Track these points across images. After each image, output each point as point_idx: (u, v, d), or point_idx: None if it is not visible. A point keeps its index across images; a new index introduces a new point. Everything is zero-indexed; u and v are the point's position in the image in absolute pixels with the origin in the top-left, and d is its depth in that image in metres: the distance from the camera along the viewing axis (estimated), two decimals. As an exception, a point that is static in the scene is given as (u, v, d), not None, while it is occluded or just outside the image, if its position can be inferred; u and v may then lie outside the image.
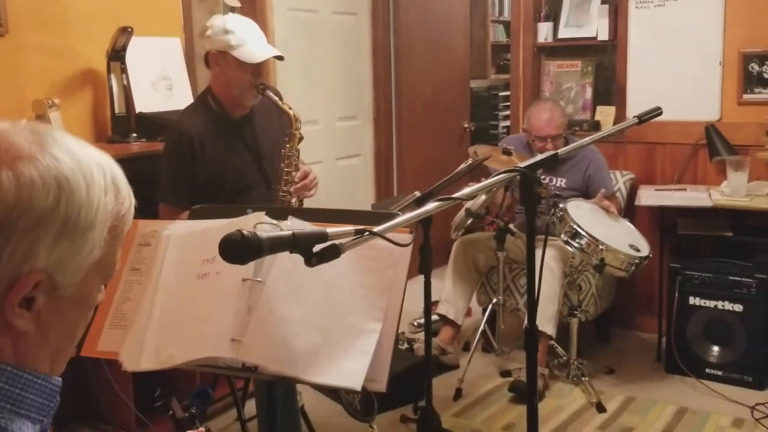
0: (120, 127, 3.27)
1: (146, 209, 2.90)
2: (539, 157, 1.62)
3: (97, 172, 0.85)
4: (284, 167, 2.77)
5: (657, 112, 1.83)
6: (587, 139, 1.84)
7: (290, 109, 2.78)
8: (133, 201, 0.92)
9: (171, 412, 1.33)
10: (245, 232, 1.13)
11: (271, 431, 1.70)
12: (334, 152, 4.69)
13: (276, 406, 1.70)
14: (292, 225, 1.60)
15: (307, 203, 2.96)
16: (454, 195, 1.48)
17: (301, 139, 2.82)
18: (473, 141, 5.60)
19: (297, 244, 1.19)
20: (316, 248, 1.20)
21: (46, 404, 0.86)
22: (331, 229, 1.23)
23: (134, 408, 2.82)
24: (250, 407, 3.10)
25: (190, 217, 1.90)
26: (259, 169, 2.85)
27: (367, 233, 1.27)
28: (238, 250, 1.13)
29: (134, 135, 3.25)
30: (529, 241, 1.61)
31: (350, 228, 1.26)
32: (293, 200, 2.81)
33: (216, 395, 3.12)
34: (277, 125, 2.93)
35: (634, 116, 1.80)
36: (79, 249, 0.83)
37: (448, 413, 3.33)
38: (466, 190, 1.51)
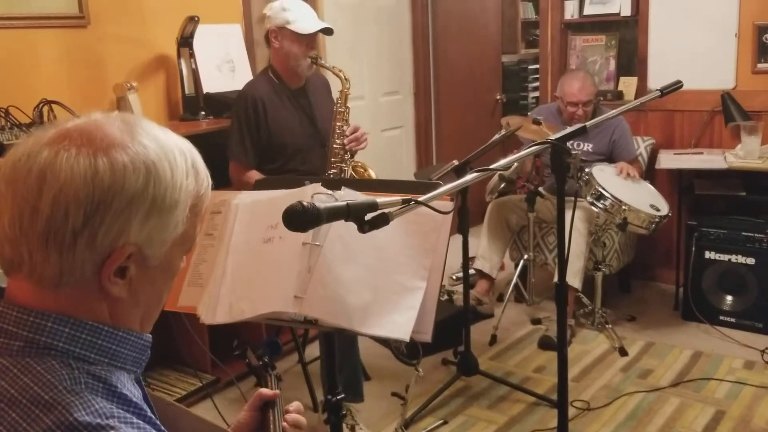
0: (190, 106, 3.31)
1: (217, 178, 2.98)
2: (569, 129, 1.59)
3: (179, 157, 0.86)
4: (336, 122, 2.83)
5: (678, 85, 1.78)
6: (614, 112, 1.79)
7: (341, 71, 2.86)
8: (210, 182, 0.93)
9: (247, 360, 1.35)
10: (306, 204, 1.13)
11: (330, 372, 1.72)
12: (378, 124, 4.67)
13: (335, 351, 1.72)
14: (345, 194, 1.60)
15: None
16: (491, 166, 1.46)
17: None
18: (505, 111, 5.51)
19: (351, 213, 1.19)
20: (368, 216, 1.21)
21: (139, 357, 0.89)
22: (381, 199, 1.23)
23: (209, 353, 2.89)
24: (310, 351, 3.17)
25: (255, 188, 1.92)
26: (315, 132, 2.94)
27: (412, 202, 1.27)
28: (300, 219, 1.13)
29: (203, 113, 3.29)
30: (559, 207, 1.59)
31: (398, 198, 1.26)
32: (347, 156, 2.86)
33: (280, 340, 3.19)
34: (327, 100, 3.01)
35: (657, 89, 1.75)
36: (165, 225, 0.84)
37: (484, 357, 3.35)
38: (502, 162, 1.49)
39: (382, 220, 1.23)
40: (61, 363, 0.80)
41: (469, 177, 1.38)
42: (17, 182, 0.80)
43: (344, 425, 1.86)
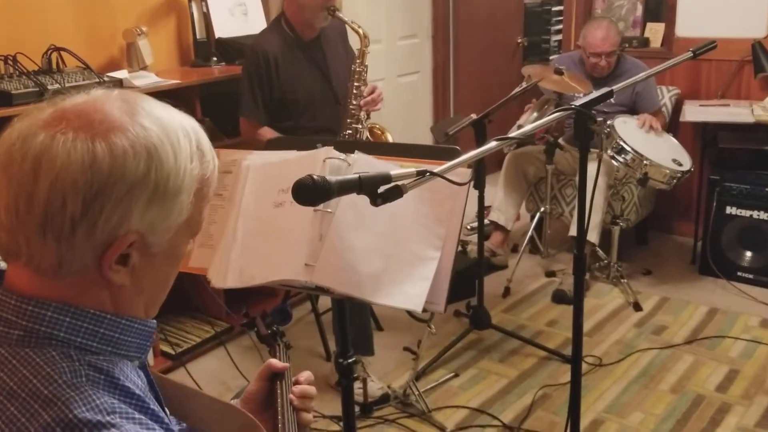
0: (202, 51, 3.22)
1: (228, 127, 2.89)
2: (594, 94, 1.51)
3: (183, 139, 0.82)
4: (354, 82, 2.74)
5: (711, 46, 1.69)
6: (642, 75, 1.71)
7: (360, 27, 2.72)
8: (217, 163, 0.89)
9: (256, 329, 1.34)
10: (316, 178, 1.09)
11: (342, 335, 1.70)
12: (395, 69, 4.56)
13: (346, 314, 1.70)
14: (359, 159, 1.55)
15: (372, 117, 2.91)
16: (511, 135, 1.40)
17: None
18: (525, 56, 5.35)
19: (363, 186, 1.15)
20: (381, 189, 1.17)
21: (143, 344, 0.86)
22: (395, 171, 1.18)
23: (223, 304, 2.91)
24: (324, 300, 3.17)
25: (266, 148, 1.87)
26: (329, 87, 2.83)
27: (428, 174, 1.22)
28: (310, 194, 1.10)
29: (214, 59, 3.20)
30: (581, 176, 1.52)
31: (412, 169, 1.21)
32: (362, 114, 2.77)
33: (292, 291, 3.19)
34: (342, 50, 2.90)
35: (690, 50, 1.66)
36: (168, 212, 0.80)
37: (497, 309, 3.34)
38: (525, 128, 1.42)
39: (396, 193, 1.18)
40: (61, 354, 0.77)
41: (488, 146, 1.32)
42: (12, 168, 0.76)
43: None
